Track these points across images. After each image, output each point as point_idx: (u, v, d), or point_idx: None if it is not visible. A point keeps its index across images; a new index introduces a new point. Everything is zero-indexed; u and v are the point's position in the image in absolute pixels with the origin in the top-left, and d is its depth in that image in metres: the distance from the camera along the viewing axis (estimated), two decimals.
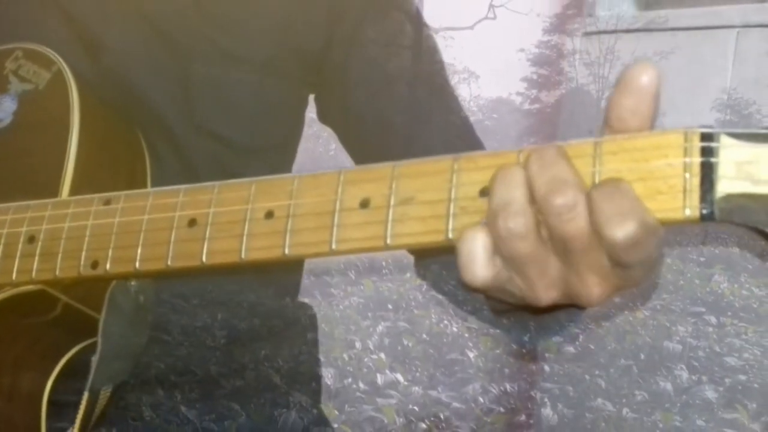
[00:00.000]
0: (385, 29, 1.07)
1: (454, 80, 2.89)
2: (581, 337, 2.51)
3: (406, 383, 2.79)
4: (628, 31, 2.28)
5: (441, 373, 2.78)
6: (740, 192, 0.55)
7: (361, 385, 2.81)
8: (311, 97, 1.14)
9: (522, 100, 2.60)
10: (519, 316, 0.81)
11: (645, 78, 0.57)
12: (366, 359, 2.88)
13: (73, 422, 0.80)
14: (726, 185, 0.55)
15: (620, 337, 2.38)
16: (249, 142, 1.06)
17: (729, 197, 0.55)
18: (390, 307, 2.80)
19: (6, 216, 0.80)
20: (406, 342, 2.85)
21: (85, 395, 0.79)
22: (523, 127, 2.57)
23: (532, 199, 0.58)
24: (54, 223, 0.77)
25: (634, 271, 0.58)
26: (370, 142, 1.06)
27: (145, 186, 0.91)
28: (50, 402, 0.80)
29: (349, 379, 2.83)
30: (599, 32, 2.32)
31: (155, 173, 0.94)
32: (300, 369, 1.31)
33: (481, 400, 2.64)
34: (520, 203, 0.57)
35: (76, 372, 0.82)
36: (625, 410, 2.30)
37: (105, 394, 0.81)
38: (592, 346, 2.46)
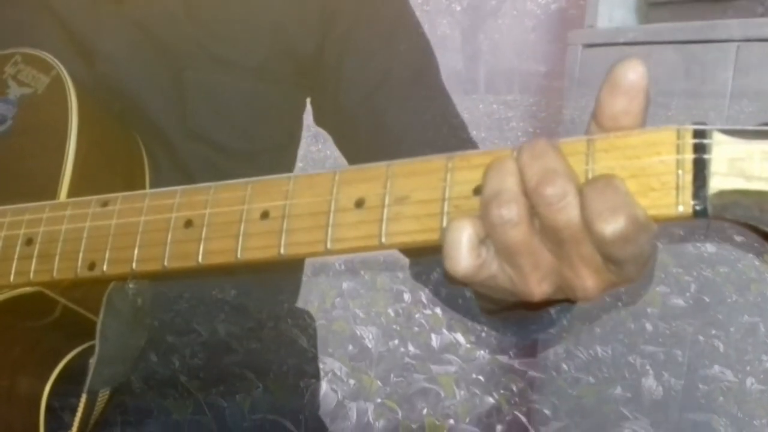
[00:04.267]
0: (379, 30, 1.33)
1: None
2: (693, 286, 2.52)
3: (468, 346, 2.87)
4: (627, 43, 2.51)
5: (513, 333, 2.76)
6: (733, 188, 0.73)
7: (411, 349, 2.90)
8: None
9: None
10: (509, 315, 1.05)
11: (633, 75, 0.77)
12: (417, 315, 2.95)
13: (71, 425, 1.06)
14: (719, 181, 0.74)
15: (743, 287, 2.40)
16: (244, 147, 1.32)
17: (722, 194, 0.74)
18: None
19: (4, 218, 1.07)
20: (468, 293, 2.81)
21: (84, 397, 1.05)
22: None
23: (524, 190, 0.78)
24: (52, 225, 1.03)
25: (626, 267, 0.78)
26: (364, 143, 1.32)
27: (143, 189, 1.17)
28: (48, 405, 1.05)
29: (396, 341, 2.92)
30: (599, 45, 2.57)
31: (152, 178, 1.20)
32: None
33: (564, 367, 2.71)
34: (513, 191, 0.78)
35: (74, 375, 1.07)
36: (749, 381, 2.33)
37: (103, 396, 1.07)
38: (706, 299, 2.49)
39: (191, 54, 1.31)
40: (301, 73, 1.36)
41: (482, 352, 2.86)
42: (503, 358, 2.83)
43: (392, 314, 2.98)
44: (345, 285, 3.04)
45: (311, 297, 2.90)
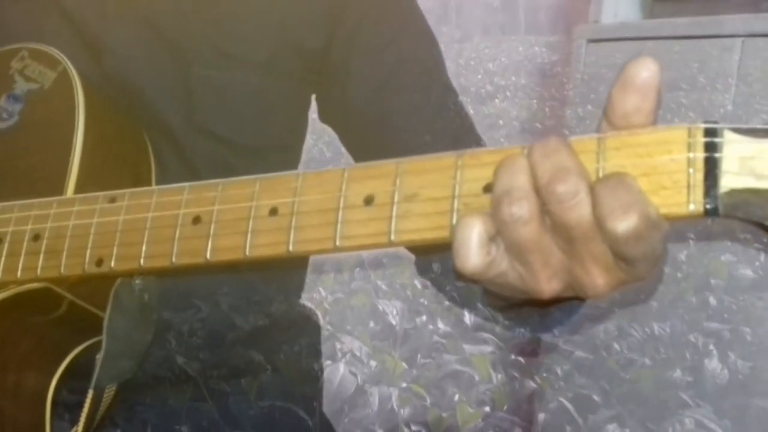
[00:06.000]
0: (387, 27, 1.48)
1: None
2: (762, 255, 2.61)
3: (506, 323, 2.79)
4: (632, 39, 2.61)
5: (557, 308, 2.68)
6: (744, 187, 0.84)
7: (441, 326, 2.96)
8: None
9: None
10: (517, 312, 1.18)
11: (646, 73, 0.89)
12: (448, 288, 2.92)
13: (77, 421, 1.20)
14: (730, 180, 0.85)
15: None
16: (251, 143, 1.47)
17: (733, 192, 0.84)
18: None
19: (11, 214, 1.21)
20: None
21: (90, 393, 1.20)
22: None
23: (536, 187, 0.89)
24: (59, 221, 1.18)
25: (637, 266, 0.90)
26: (371, 139, 1.48)
27: (149, 185, 1.32)
28: (54, 401, 1.19)
29: (423, 317, 2.96)
30: (604, 40, 2.69)
31: (158, 174, 1.35)
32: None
33: (616, 347, 2.76)
34: (524, 189, 0.89)
35: (80, 371, 1.21)
36: None
37: (109, 392, 1.22)
38: None
39: (199, 50, 1.47)
40: (308, 68, 1.51)
41: (522, 329, 2.79)
42: (546, 337, 2.87)
43: (419, 286, 3.02)
44: (365, 252, 2.97)
45: (326, 267, 2.97)
